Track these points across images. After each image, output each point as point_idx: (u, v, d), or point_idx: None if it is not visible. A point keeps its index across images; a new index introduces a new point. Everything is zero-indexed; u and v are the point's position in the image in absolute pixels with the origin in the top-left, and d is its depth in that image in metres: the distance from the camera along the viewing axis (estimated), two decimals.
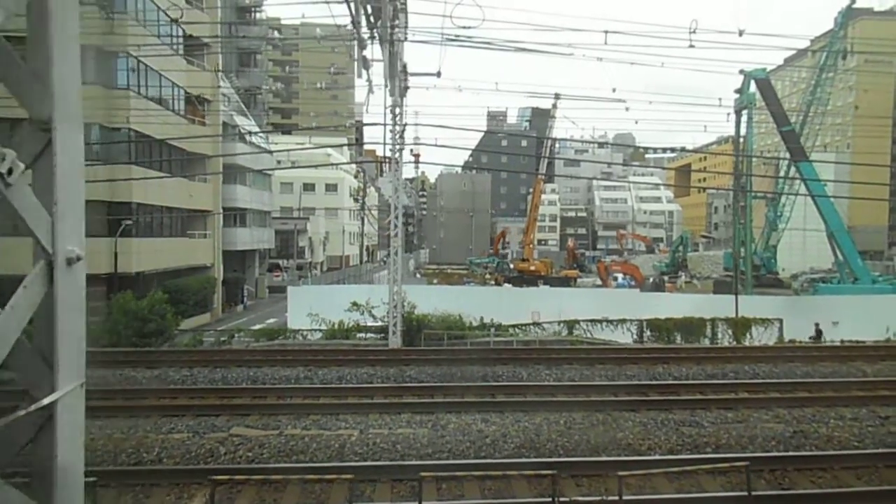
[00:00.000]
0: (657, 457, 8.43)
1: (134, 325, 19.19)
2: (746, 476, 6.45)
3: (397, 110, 17.57)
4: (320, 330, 20.90)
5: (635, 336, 21.66)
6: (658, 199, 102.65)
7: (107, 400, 11.97)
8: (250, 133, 43.14)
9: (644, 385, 12.78)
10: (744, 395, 12.16)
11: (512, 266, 59.51)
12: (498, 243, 68.02)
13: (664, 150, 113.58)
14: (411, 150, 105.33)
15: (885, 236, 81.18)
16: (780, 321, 22.14)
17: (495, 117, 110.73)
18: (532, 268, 54.87)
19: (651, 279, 48.01)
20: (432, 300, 22.55)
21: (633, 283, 47.25)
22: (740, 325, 21.76)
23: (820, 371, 14.10)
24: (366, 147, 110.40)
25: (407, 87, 17.17)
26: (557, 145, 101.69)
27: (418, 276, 69.38)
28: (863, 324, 23.12)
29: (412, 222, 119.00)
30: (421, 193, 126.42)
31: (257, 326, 30.10)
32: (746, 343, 21.60)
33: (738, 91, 39.40)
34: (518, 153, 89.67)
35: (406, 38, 14.76)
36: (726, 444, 9.19)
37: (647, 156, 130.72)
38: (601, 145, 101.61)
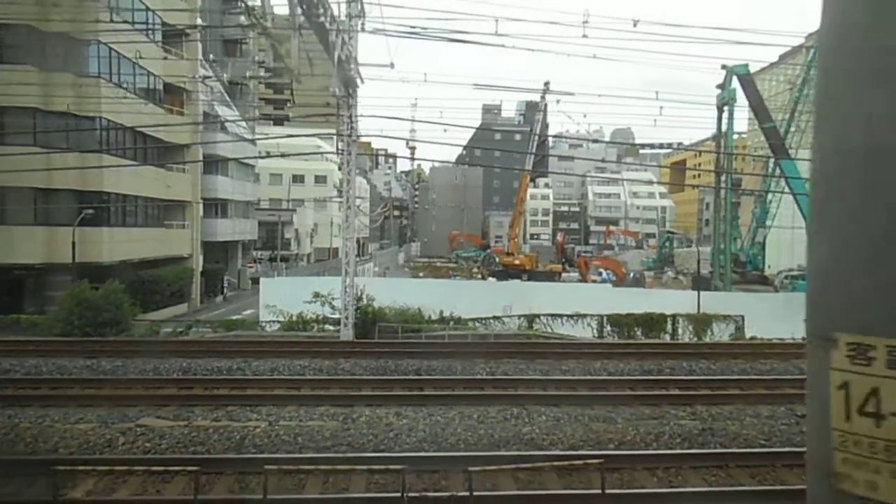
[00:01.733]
0: (512, 452, 8.34)
1: (88, 315, 19.12)
2: (601, 474, 6.36)
3: (351, 101, 17.45)
4: (280, 321, 20.84)
5: (595, 331, 21.58)
6: (651, 195, 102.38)
7: (33, 389, 11.97)
8: (228, 121, 42.90)
9: (574, 380, 12.70)
10: (674, 392, 12.08)
11: (497, 260, 59.47)
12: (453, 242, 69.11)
13: (661, 145, 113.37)
14: (407, 143, 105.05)
15: None
16: (742, 318, 22.04)
17: (490, 111, 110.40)
18: (516, 262, 54.81)
19: (631, 275, 47.93)
20: (390, 292, 22.51)
21: (614, 278, 47.19)
22: (700, 322, 21.67)
23: (758, 368, 14.03)
24: (361, 139, 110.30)
25: (354, 79, 17.02)
26: (552, 141, 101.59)
27: (407, 269, 69.41)
28: None
29: (406, 215, 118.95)
30: (416, 186, 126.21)
31: (235, 317, 30.09)
32: (707, 339, 21.51)
33: (720, 87, 39.27)
34: (509, 150, 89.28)
35: (339, 28, 14.55)
36: (630, 440, 9.10)
37: (642, 151, 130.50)
38: (595, 141, 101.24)
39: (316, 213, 67.82)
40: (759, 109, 38.37)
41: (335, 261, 52.18)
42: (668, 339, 21.46)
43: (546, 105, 54.14)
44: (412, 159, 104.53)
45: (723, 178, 42.80)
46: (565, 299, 25.93)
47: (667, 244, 61.63)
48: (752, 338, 21.59)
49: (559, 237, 70.80)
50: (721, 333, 21.86)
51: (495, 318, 21.63)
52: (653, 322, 21.55)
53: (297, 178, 69.39)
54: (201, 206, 41.10)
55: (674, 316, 21.66)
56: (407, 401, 11.20)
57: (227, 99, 48.04)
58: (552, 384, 12.36)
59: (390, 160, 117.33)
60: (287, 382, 12.31)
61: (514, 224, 57.52)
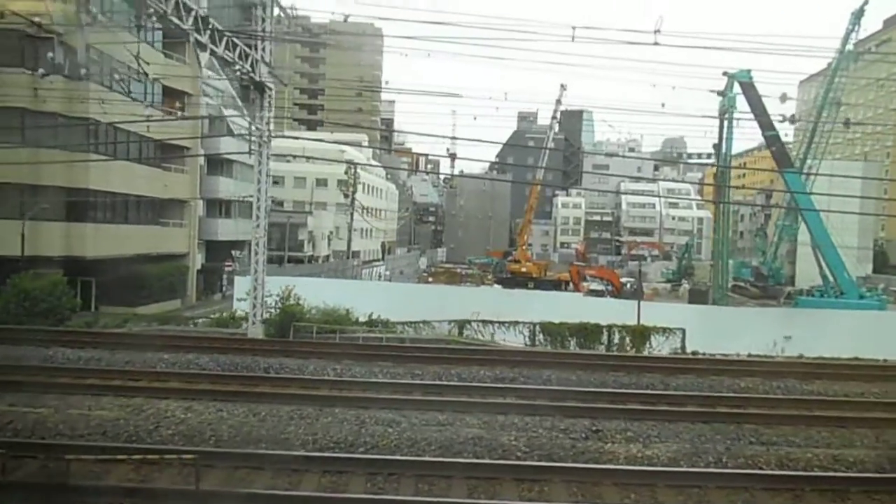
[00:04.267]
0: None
1: (25, 305, 19.98)
2: (196, 470, 6.25)
3: (265, 103, 17.76)
4: (210, 318, 21.28)
5: (527, 339, 21.15)
6: (689, 206, 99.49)
7: None
8: (220, 119, 43.96)
9: (414, 384, 12.49)
10: (509, 400, 11.74)
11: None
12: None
13: (700, 155, 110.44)
14: (447, 149, 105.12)
15: None
16: (683, 331, 21.17)
17: (525, 118, 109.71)
18: (523, 269, 54.28)
19: (629, 286, 46.60)
20: (360, 296, 22.91)
21: (611, 289, 46.05)
22: (637, 334, 20.91)
23: (621, 381, 13.44)
24: (404, 145, 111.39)
25: (263, 84, 17.44)
26: (589, 149, 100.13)
27: (425, 274, 69.56)
28: (827, 339, 21.90)
29: (438, 220, 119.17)
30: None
31: (224, 314, 30.81)
32: (646, 352, 20.77)
33: (720, 93, 37.88)
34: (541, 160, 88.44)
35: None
36: (391, 444, 8.91)
37: (688, 162, 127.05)
38: (630, 150, 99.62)
39: (337, 217, 68.75)
40: (761, 118, 36.77)
41: (333, 263, 52.86)
42: (603, 349, 20.84)
43: (559, 113, 53.60)
44: (452, 165, 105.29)
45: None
46: (540, 309, 25.18)
47: (686, 255, 59.77)
48: (693, 352, 20.78)
49: (579, 246, 69.68)
50: (660, 346, 21.07)
51: (425, 322, 21.45)
52: (587, 332, 20.96)
53: (321, 182, 70.65)
54: (201, 205, 42.24)
55: (609, 327, 21.00)
56: (228, 396, 11.25)
57: (239, 103, 49.20)
58: (387, 387, 12.21)
59: (430, 165, 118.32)
60: (129, 374, 12.55)
61: (522, 232, 57.04)
